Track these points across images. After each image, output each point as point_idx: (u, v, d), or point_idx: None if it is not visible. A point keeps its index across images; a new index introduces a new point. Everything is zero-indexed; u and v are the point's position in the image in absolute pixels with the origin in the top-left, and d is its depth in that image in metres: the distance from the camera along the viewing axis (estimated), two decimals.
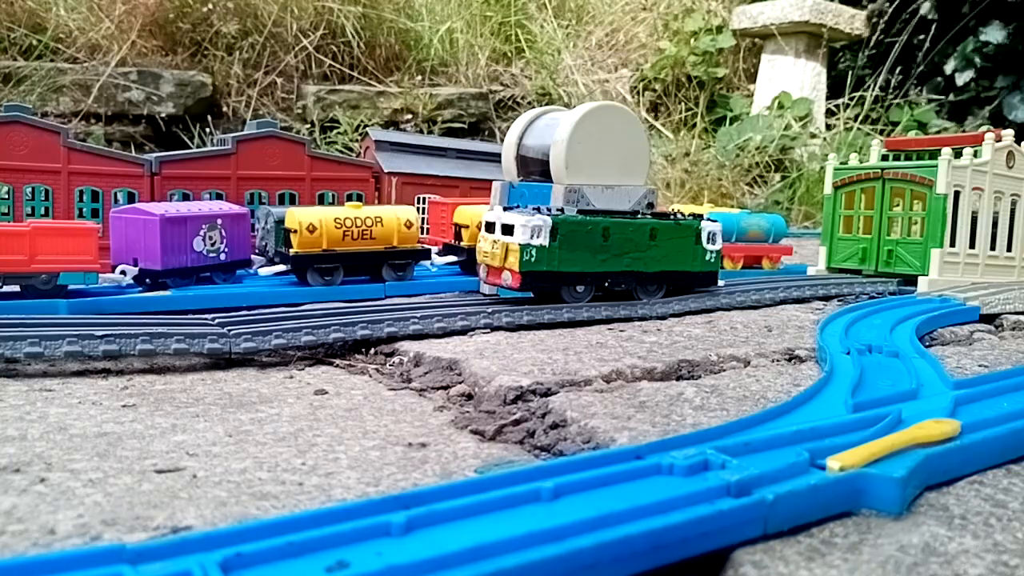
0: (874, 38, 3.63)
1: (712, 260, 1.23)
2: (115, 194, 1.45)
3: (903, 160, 1.60)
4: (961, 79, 3.62)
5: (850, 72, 3.60)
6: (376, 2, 3.10)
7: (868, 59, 3.70)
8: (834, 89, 3.58)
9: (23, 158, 1.38)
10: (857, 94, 3.45)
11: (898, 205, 1.57)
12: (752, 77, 3.72)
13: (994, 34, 3.49)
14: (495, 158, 1.79)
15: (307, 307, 1.12)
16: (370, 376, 0.85)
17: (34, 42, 2.67)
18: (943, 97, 3.70)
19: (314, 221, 1.22)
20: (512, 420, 0.67)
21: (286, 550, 0.36)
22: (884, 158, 1.66)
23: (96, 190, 1.43)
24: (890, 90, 3.52)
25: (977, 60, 3.53)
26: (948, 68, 3.70)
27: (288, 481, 0.53)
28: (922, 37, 3.60)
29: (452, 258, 1.37)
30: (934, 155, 1.50)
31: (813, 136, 3.28)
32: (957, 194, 1.47)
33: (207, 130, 2.70)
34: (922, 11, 3.56)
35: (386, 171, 1.77)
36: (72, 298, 1.05)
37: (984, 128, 1.86)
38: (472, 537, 0.38)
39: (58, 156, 1.40)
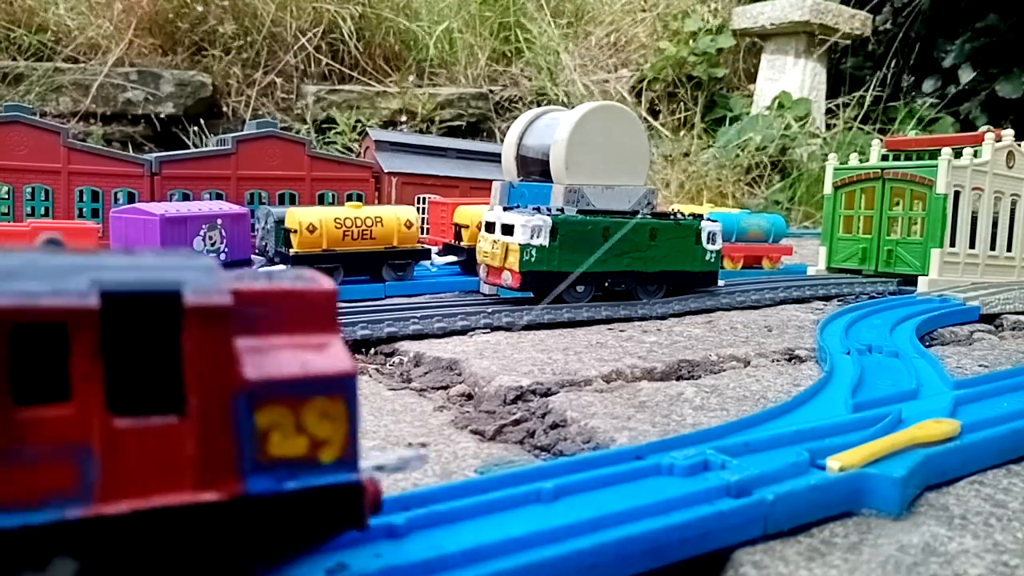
0: (872, 35, 3.63)
1: (712, 260, 1.23)
2: (115, 194, 1.45)
3: (903, 160, 1.60)
4: (964, 77, 3.62)
5: (850, 72, 3.60)
6: (375, 2, 3.10)
7: (866, 57, 3.71)
8: (834, 89, 3.58)
9: (23, 158, 1.38)
10: (856, 94, 3.45)
11: (898, 205, 1.57)
12: (752, 77, 3.72)
13: (991, 27, 3.51)
14: (495, 158, 1.79)
15: None
16: (370, 376, 0.85)
17: (33, 41, 2.67)
18: (941, 91, 3.70)
19: (314, 221, 1.22)
20: (512, 420, 0.67)
21: None
22: (884, 158, 1.66)
23: (96, 190, 1.43)
24: (887, 87, 3.52)
25: (972, 52, 3.54)
26: (946, 63, 3.70)
27: None
28: (919, 31, 3.61)
29: (452, 258, 1.37)
30: (934, 155, 1.50)
31: (813, 136, 3.28)
32: (957, 194, 1.47)
33: (205, 130, 2.69)
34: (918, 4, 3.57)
35: (386, 171, 1.77)
36: None
37: (984, 128, 1.86)
38: (472, 538, 0.38)
39: (58, 156, 1.40)
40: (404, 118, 2.94)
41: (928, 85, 3.78)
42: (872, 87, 3.47)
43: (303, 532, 0.31)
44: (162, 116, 2.67)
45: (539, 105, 2.23)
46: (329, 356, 0.31)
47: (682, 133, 3.41)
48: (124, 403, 0.27)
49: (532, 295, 1.13)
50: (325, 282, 0.33)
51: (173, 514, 0.28)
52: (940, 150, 1.48)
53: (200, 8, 2.80)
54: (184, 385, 0.28)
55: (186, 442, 0.28)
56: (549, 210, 1.10)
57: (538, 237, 1.07)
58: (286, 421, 0.30)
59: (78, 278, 0.27)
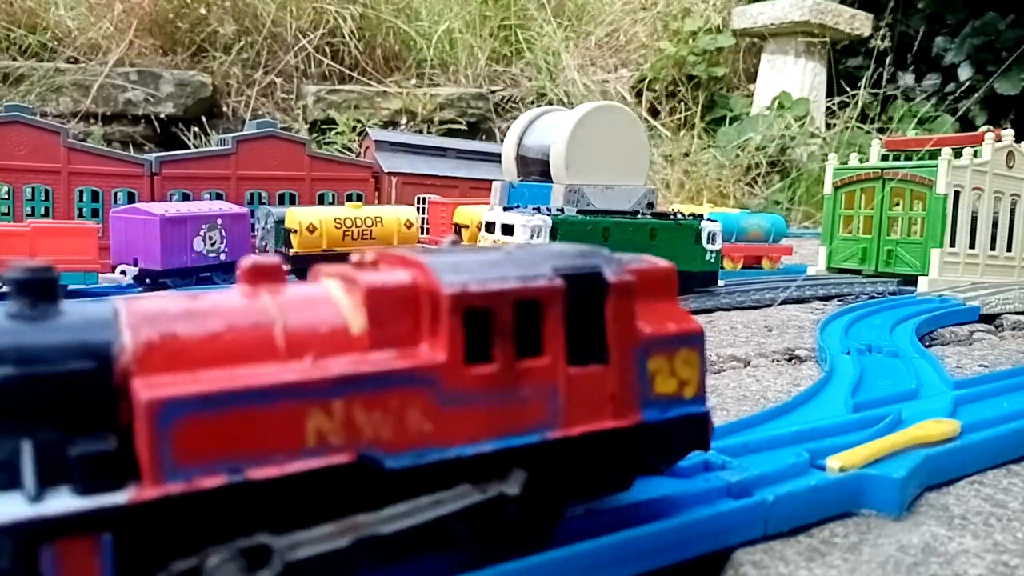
0: (872, 33, 3.63)
1: (712, 260, 1.23)
2: (115, 194, 1.45)
3: (903, 160, 1.60)
4: (963, 74, 3.63)
5: (850, 72, 3.60)
6: (375, 2, 3.09)
7: (865, 56, 3.71)
8: (834, 89, 3.58)
9: (23, 158, 1.38)
10: (856, 94, 3.45)
11: (898, 205, 1.57)
12: (752, 77, 3.72)
13: (990, 24, 3.52)
14: (495, 158, 1.79)
15: None
16: None
17: (33, 42, 2.67)
18: (940, 89, 3.70)
19: (314, 221, 1.22)
20: None
21: None
22: (884, 158, 1.66)
23: (96, 190, 1.43)
24: (885, 86, 3.52)
25: (972, 49, 3.55)
26: (946, 61, 3.71)
27: None
28: (918, 29, 3.62)
29: None
30: (934, 155, 1.50)
31: (813, 136, 3.28)
32: (957, 194, 1.47)
33: (204, 130, 2.69)
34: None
35: (386, 171, 1.78)
36: (72, 298, 1.05)
37: (984, 128, 1.86)
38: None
39: (58, 156, 1.40)
40: (404, 118, 2.94)
41: (928, 83, 3.78)
42: (871, 86, 3.47)
43: (671, 451, 0.41)
44: (162, 116, 2.67)
45: (539, 105, 2.23)
46: (685, 318, 0.41)
47: (682, 133, 3.41)
48: (572, 355, 0.37)
49: None
50: (662, 262, 0.42)
51: (599, 437, 0.38)
52: (940, 150, 1.48)
53: (201, 10, 2.80)
54: (606, 341, 0.38)
55: (608, 384, 0.38)
56: (549, 210, 1.10)
57: (538, 237, 1.07)
58: (665, 367, 0.40)
59: (542, 266, 0.37)
